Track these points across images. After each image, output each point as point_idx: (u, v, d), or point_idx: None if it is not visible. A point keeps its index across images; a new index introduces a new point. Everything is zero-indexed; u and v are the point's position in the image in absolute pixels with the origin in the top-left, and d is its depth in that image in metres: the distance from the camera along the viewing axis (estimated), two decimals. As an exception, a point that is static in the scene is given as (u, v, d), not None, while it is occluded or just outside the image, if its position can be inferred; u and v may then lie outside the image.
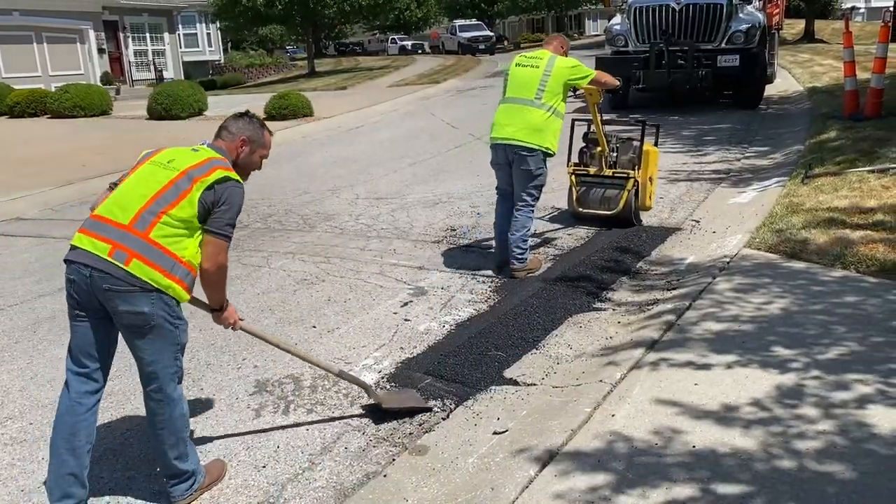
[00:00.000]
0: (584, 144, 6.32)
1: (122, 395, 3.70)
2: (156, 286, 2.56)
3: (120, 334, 2.75)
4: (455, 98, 17.82)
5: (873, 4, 44.83)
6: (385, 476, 2.89)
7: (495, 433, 3.09)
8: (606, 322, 4.21)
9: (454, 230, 6.35)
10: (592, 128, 6.05)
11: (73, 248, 2.65)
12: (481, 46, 38.57)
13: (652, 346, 3.65)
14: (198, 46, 36.71)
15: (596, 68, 13.02)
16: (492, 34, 41.62)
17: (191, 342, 4.18)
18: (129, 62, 30.03)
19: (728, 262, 4.75)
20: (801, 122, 10.05)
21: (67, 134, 14.42)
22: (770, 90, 12.98)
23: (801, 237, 4.95)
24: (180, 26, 33.93)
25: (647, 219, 6.26)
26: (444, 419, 3.29)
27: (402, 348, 4.07)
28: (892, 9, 20.45)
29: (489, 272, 5.21)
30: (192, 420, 3.32)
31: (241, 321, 2.96)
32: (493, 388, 3.53)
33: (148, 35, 31.27)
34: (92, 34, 26.55)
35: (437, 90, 19.86)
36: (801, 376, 3.19)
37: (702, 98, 12.82)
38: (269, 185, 8.73)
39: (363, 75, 26.51)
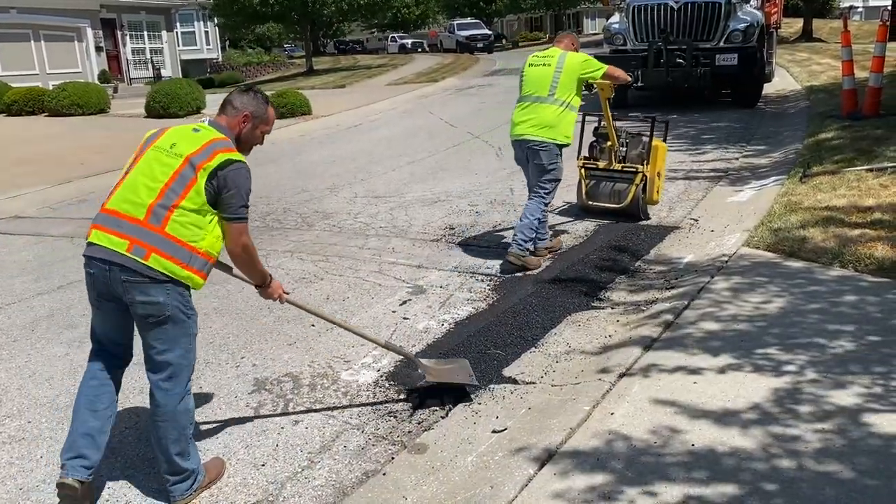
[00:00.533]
0: (593, 139, 6.48)
1: (122, 394, 3.68)
2: (174, 277, 2.61)
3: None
4: (453, 97, 17.82)
5: (871, 4, 44.87)
6: (384, 474, 2.89)
7: (494, 431, 3.09)
8: (605, 321, 4.22)
9: (453, 229, 6.35)
10: (603, 123, 6.20)
11: (90, 244, 2.66)
12: (479, 45, 38.58)
13: (651, 344, 3.66)
14: (196, 45, 36.67)
15: None
16: (490, 33, 41.63)
17: (189, 341, 4.19)
18: (127, 60, 29.97)
19: (726, 261, 4.75)
20: (799, 120, 10.06)
21: (65, 132, 14.39)
22: (768, 89, 13.00)
23: (800, 236, 4.96)
24: (178, 24, 33.89)
25: (646, 218, 6.26)
26: (443, 417, 3.29)
27: (401, 346, 4.06)
28: (890, 8, 20.49)
29: (488, 270, 5.21)
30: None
31: (287, 294, 3.06)
32: (493, 386, 3.53)
33: (146, 33, 31.22)
34: (90, 32, 26.52)
35: (435, 88, 19.86)
36: (799, 375, 3.20)
37: (700, 97, 12.83)
38: (267, 183, 8.73)
39: (361, 74, 26.50)
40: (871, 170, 6.31)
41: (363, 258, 5.68)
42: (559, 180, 5.25)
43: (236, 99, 2.87)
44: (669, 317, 3.95)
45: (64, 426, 3.40)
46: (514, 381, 3.56)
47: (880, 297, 3.95)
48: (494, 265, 5.31)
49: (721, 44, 11.21)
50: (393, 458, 3.00)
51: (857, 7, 41.22)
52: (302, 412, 3.42)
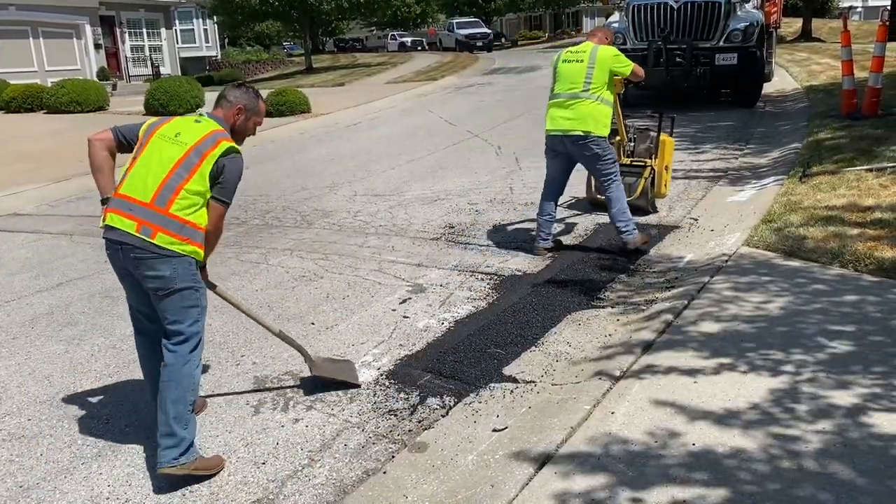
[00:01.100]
0: None
1: (121, 392, 3.70)
2: (180, 252, 2.85)
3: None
4: (453, 95, 17.81)
5: (870, 4, 44.89)
6: (385, 473, 2.89)
7: (495, 430, 3.09)
8: (605, 320, 4.22)
9: (452, 227, 6.35)
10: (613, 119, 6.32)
11: (107, 226, 2.91)
12: (479, 44, 38.54)
13: (651, 344, 3.66)
14: (195, 42, 36.63)
15: None
16: (489, 31, 41.61)
17: (189, 339, 4.19)
18: (126, 58, 29.94)
19: (726, 261, 4.75)
20: (798, 120, 10.06)
21: (64, 129, 14.37)
22: (768, 88, 13.00)
23: (800, 235, 4.96)
24: (177, 22, 33.85)
25: (645, 217, 6.27)
26: (443, 416, 3.29)
27: (401, 345, 4.07)
28: (889, 8, 20.52)
29: (488, 269, 5.21)
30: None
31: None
32: (493, 385, 3.53)
33: (145, 30, 31.18)
34: (88, 29, 26.48)
35: (434, 87, 19.85)
36: (799, 375, 3.20)
37: (700, 96, 12.83)
38: (267, 181, 8.72)
39: (361, 72, 26.48)
40: (870, 169, 6.32)
41: (363, 256, 5.67)
42: (616, 161, 5.34)
43: (230, 93, 3.12)
44: (669, 316, 3.95)
45: (64, 423, 3.41)
46: (515, 380, 3.56)
47: (880, 297, 3.96)
48: (494, 264, 5.31)
49: (721, 43, 11.20)
50: (393, 457, 3.00)
51: (857, 7, 41.24)
52: (302, 410, 3.42)
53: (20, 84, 19.19)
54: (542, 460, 2.77)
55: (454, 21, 43.74)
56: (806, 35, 25.99)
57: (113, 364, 4.03)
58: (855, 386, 3.06)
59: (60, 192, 8.89)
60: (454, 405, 3.37)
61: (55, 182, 9.27)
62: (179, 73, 28.52)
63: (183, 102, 15.72)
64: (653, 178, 6.18)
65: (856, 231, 4.90)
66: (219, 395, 3.62)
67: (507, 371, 3.67)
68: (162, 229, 2.82)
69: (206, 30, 37.03)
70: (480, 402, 3.37)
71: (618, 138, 6.24)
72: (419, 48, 44.08)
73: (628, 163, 6.29)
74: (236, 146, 2.97)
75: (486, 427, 3.14)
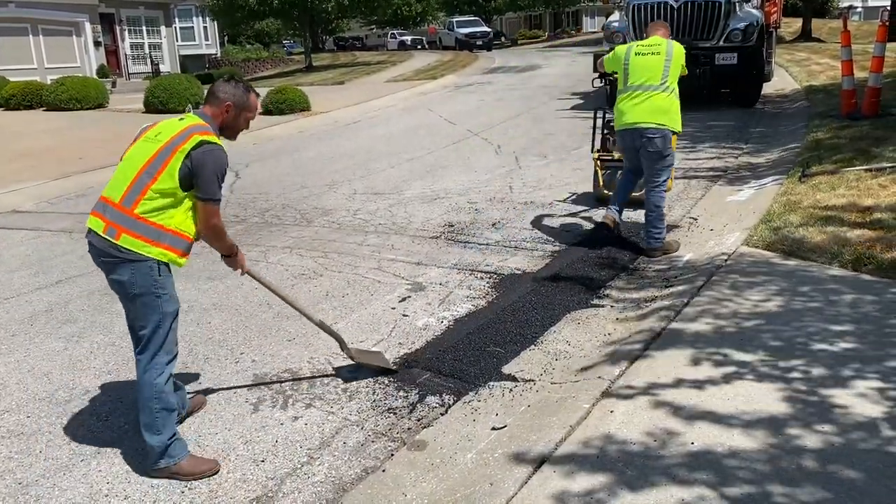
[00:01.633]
0: (606, 131, 6.68)
1: (120, 389, 3.70)
2: (146, 255, 2.81)
3: None
4: (453, 94, 17.80)
5: (870, 4, 44.90)
6: (384, 471, 2.89)
7: (494, 429, 3.10)
8: (605, 319, 4.22)
9: (452, 226, 6.35)
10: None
11: (87, 229, 2.95)
12: (479, 42, 38.50)
13: (650, 343, 3.66)
14: (194, 40, 36.60)
15: (594, 65, 13.05)
16: (489, 30, 41.57)
17: (189, 336, 4.21)
18: (126, 55, 29.90)
19: (726, 260, 4.76)
20: (798, 120, 10.07)
21: (64, 127, 14.36)
22: (767, 88, 13.01)
23: (799, 235, 4.96)
24: (177, 20, 33.81)
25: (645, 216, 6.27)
26: (442, 414, 3.29)
27: (400, 343, 4.07)
28: (889, 8, 20.52)
29: (487, 268, 5.22)
30: (191, 414, 3.33)
31: (248, 269, 3.21)
32: (492, 383, 3.53)
33: (144, 28, 31.14)
34: (88, 27, 26.45)
35: (434, 86, 19.84)
36: (799, 374, 3.20)
37: (699, 96, 12.82)
38: (266, 179, 8.72)
39: (361, 70, 26.47)
40: (870, 170, 6.32)
41: (362, 255, 5.67)
42: (672, 166, 5.41)
43: (219, 89, 3.03)
44: (669, 315, 3.95)
45: (63, 421, 3.41)
46: (514, 379, 3.56)
47: (879, 297, 3.96)
48: (494, 262, 5.31)
49: (721, 43, 11.21)
50: (392, 455, 3.00)
51: (857, 7, 41.23)
52: (301, 408, 3.42)
53: (20, 81, 19.18)
54: (541, 459, 2.77)
55: (454, 20, 43.70)
56: (806, 35, 25.99)
57: (112, 361, 4.02)
58: (854, 385, 3.06)
59: (60, 190, 8.88)
60: (453, 403, 3.37)
61: (54, 179, 9.27)
62: (179, 71, 28.50)
63: (182, 100, 15.71)
64: None
65: (855, 231, 4.91)
66: (218, 392, 3.62)
67: (506, 370, 3.67)
68: (126, 230, 2.79)
69: (205, 28, 37.00)
70: (479, 401, 3.38)
71: None
72: (419, 47, 44.05)
73: None
74: (212, 138, 2.87)
75: (485, 425, 3.14)
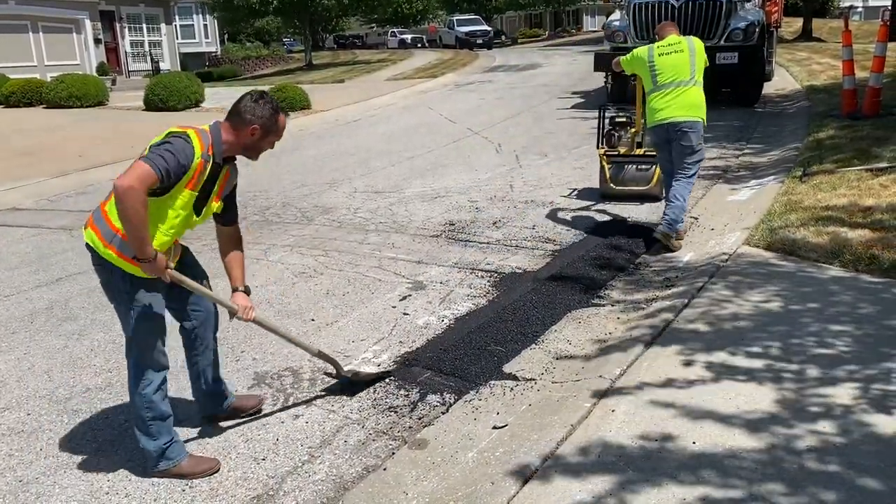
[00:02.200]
0: (610, 128, 6.85)
1: (121, 387, 3.69)
2: (103, 256, 2.71)
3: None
4: (453, 92, 17.79)
5: (871, 3, 44.87)
6: (385, 470, 2.89)
7: (495, 428, 3.09)
8: (605, 318, 4.22)
9: (453, 225, 6.35)
10: (619, 113, 6.83)
11: None
12: (479, 41, 38.48)
13: (651, 342, 3.66)
14: (194, 38, 36.58)
15: (595, 64, 13.01)
16: (489, 29, 41.55)
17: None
18: (126, 53, 29.86)
19: (726, 260, 4.76)
20: (799, 120, 10.07)
21: (63, 124, 14.35)
22: (768, 88, 13.00)
23: (799, 235, 4.96)
24: (177, 17, 33.76)
25: (645, 215, 6.27)
26: (443, 413, 3.29)
27: (401, 342, 4.07)
28: (890, 8, 20.50)
29: (488, 267, 5.21)
30: (189, 412, 3.32)
31: (173, 272, 2.76)
32: (493, 382, 3.53)
33: (144, 26, 31.10)
34: (88, 24, 26.42)
35: (434, 84, 19.83)
36: (798, 374, 3.20)
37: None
38: (266, 177, 8.71)
39: (361, 69, 26.45)
40: (871, 170, 6.32)
41: (363, 253, 5.67)
42: (703, 159, 5.52)
43: (246, 110, 2.79)
44: (669, 315, 3.95)
45: (63, 418, 3.41)
46: (515, 378, 3.56)
47: (879, 297, 3.96)
48: (494, 261, 5.31)
49: (721, 42, 11.20)
50: (393, 454, 3.00)
51: (857, 7, 41.20)
52: (302, 406, 3.42)
53: (19, 78, 19.16)
54: (543, 458, 2.77)
55: (454, 18, 43.68)
56: (806, 35, 25.98)
57: (112, 359, 4.02)
58: (854, 385, 3.06)
59: (59, 187, 8.87)
60: (454, 402, 3.37)
61: (54, 177, 9.26)
62: (179, 69, 28.45)
63: (182, 98, 15.70)
64: None
65: (856, 231, 4.91)
66: (219, 390, 3.62)
67: (507, 368, 3.67)
68: (92, 224, 2.76)
69: (205, 25, 36.98)
70: (480, 400, 3.38)
71: (633, 130, 6.55)
72: (419, 45, 44.01)
73: (641, 153, 6.54)
74: (179, 131, 2.68)
75: (486, 424, 3.14)
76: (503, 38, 46.10)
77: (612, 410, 3.05)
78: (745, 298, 4.09)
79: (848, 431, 2.74)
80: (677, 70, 5.32)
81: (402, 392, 3.50)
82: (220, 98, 18.05)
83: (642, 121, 6.42)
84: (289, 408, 3.42)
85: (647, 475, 2.58)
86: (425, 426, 3.19)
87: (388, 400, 3.44)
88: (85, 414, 3.45)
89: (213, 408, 3.26)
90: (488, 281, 4.95)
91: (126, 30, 30.09)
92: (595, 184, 7.11)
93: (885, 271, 4.28)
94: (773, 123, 10.37)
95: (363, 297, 4.78)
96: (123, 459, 3.06)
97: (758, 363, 3.33)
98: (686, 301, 4.12)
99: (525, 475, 2.68)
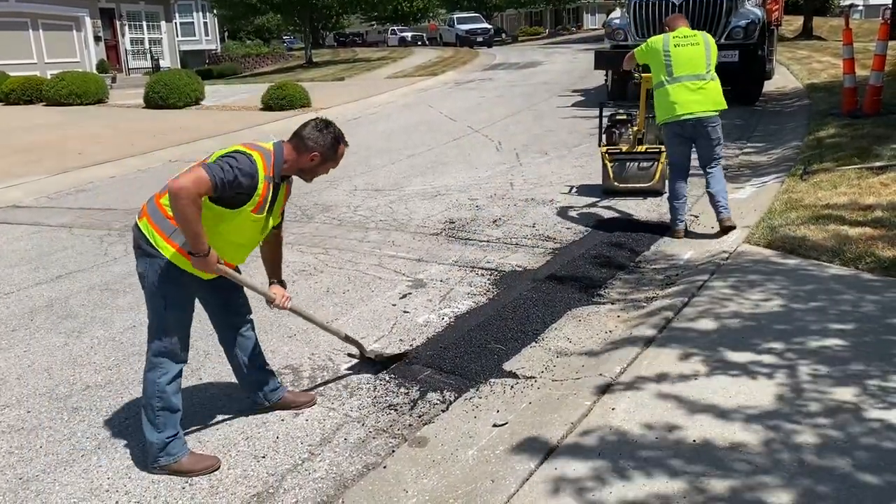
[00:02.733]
0: (610, 125, 6.92)
1: (121, 385, 3.70)
2: (159, 251, 2.77)
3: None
4: (453, 90, 17.78)
5: (871, 2, 44.82)
6: (385, 467, 2.89)
7: (495, 426, 3.09)
8: (605, 316, 4.22)
9: (453, 223, 6.34)
10: (619, 112, 6.89)
11: None
12: (479, 39, 38.44)
13: (651, 340, 3.66)
14: (194, 35, 36.54)
15: (595, 62, 12.98)
16: (490, 27, 41.51)
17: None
18: (126, 50, 29.86)
19: (727, 258, 4.76)
20: (799, 118, 10.06)
21: (63, 122, 14.34)
22: (768, 86, 12.99)
23: (800, 233, 4.96)
24: (177, 15, 33.74)
25: (645, 214, 6.27)
26: (443, 411, 3.29)
27: (401, 340, 4.07)
28: (891, 6, 20.48)
29: (488, 265, 5.21)
30: (189, 410, 3.32)
31: (222, 266, 2.86)
32: (493, 380, 3.53)
33: (144, 23, 31.09)
34: (88, 22, 26.41)
35: (435, 82, 19.81)
36: (798, 372, 3.20)
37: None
38: (266, 175, 8.69)
39: (361, 66, 26.43)
40: (871, 168, 6.32)
41: (363, 251, 5.67)
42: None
43: (309, 136, 2.88)
44: (670, 313, 3.95)
45: (63, 416, 3.41)
46: (515, 376, 3.56)
47: (879, 295, 3.96)
48: (494, 259, 5.31)
49: (722, 40, 11.17)
50: (393, 452, 3.00)
51: (858, 5, 41.15)
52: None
53: (19, 76, 19.16)
54: (543, 455, 2.77)
55: (455, 16, 43.63)
56: (807, 33, 25.94)
57: (112, 357, 4.02)
58: (854, 382, 3.06)
59: (59, 185, 8.86)
60: (454, 400, 3.37)
61: (54, 174, 9.25)
62: (179, 67, 28.44)
63: (183, 96, 15.69)
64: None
65: (856, 229, 4.90)
66: (218, 388, 3.62)
67: (507, 367, 3.66)
68: (147, 216, 2.82)
69: (205, 23, 36.94)
70: (480, 398, 3.37)
71: (636, 127, 6.57)
72: (419, 43, 43.97)
73: (643, 150, 6.57)
74: (246, 150, 2.77)
75: (486, 422, 3.14)
76: (503, 35, 46.09)
77: (613, 408, 3.05)
78: (746, 296, 4.09)
79: (847, 428, 2.74)
80: (693, 63, 5.31)
81: (402, 390, 3.50)
82: (220, 96, 18.06)
83: (649, 117, 6.40)
84: (289, 406, 3.41)
85: (647, 472, 2.58)
86: (425, 424, 3.19)
87: (388, 398, 3.44)
88: (85, 411, 3.45)
89: (262, 398, 3.30)
90: (488, 279, 4.95)
91: (126, 27, 30.08)
92: (595, 182, 7.11)
93: (885, 269, 4.27)
94: (774, 122, 10.36)
95: (363, 295, 4.77)
96: (123, 457, 3.07)
97: (758, 361, 3.33)
98: (686, 299, 4.12)
99: (525, 473, 2.68)
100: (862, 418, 2.80)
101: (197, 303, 3.06)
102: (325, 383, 3.62)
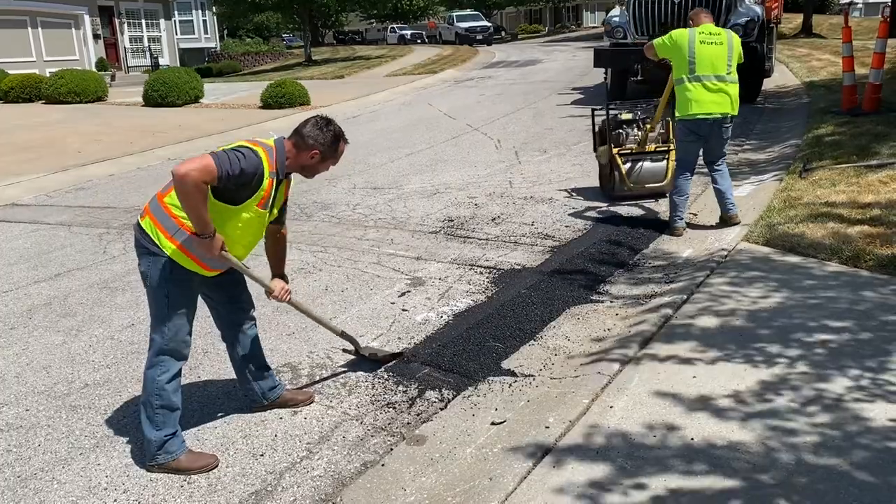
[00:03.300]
0: (616, 126, 6.70)
1: (119, 383, 3.70)
2: (161, 248, 2.78)
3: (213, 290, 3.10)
4: (452, 88, 17.77)
5: (870, 0, 44.79)
6: (383, 465, 2.89)
7: (493, 424, 3.09)
8: (604, 314, 4.22)
9: (451, 221, 6.34)
10: (622, 112, 6.71)
11: None
12: (478, 37, 38.42)
13: (650, 338, 3.66)
14: (194, 33, 36.54)
15: (595, 60, 12.96)
16: (489, 25, 41.49)
17: (188, 330, 4.18)
18: (125, 48, 29.86)
19: (725, 256, 4.76)
20: (798, 116, 10.06)
21: (62, 120, 14.32)
22: (768, 84, 12.97)
23: (799, 231, 4.96)
24: (176, 13, 33.75)
25: (644, 212, 6.27)
26: (441, 409, 3.29)
27: (399, 338, 4.07)
28: (890, 4, 20.47)
29: (487, 263, 5.21)
30: (188, 408, 3.32)
31: (225, 252, 2.85)
32: (491, 378, 3.53)
33: (144, 21, 31.08)
34: (87, 19, 26.41)
35: (434, 80, 19.80)
36: (797, 369, 3.21)
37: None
38: (265, 173, 8.69)
39: (360, 64, 26.41)
40: (870, 166, 6.32)
41: (362, 249, 5.67)
42: None
43: (309, 133, 2.91)
44: (668, 311, 3.95)
45: (61, 414, 3.41)
46: (513, 374, 3.56)
47: (877, 293, 3.96)
48: (493, 257, 5.31)
49: (721, 38, 11.16)
50: (392, 450, 3.00)
51: (857, 3, 41.14)
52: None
53: (18, 74, 19.12)
54: (541, 454, 2.77)
55: (454, 14, 43.61)
56: (806, 31, 25.94)
57: (111, 355, 4.02)
58: (851, 380, 3.06)
59: (58, 183, 8.86)
60: (452, 398, 3.37)
61: (53, 172, 9.24)
62: (178, 65, 28.43)
63: (182, 94, 15.67)
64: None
65: (855, 227, 4.90)
66: (217, 386, 3.62)
67: (505, 365, 3.66)
68: (150, 213, 2.83)
69: (205, 21, 36.93)
70: (479, 396, 3.37)
71: (648, 126, 6.41)
72: (419, 41, 43.93)
73: (653, 149, 6.47)
74: (250, 145, 2.81)
75: (484, 420, 3.14)
76: (503, 34, 46.09)
77: (611, 406, 3.05)
78: (745, 294, 4.09)
79: (844, 424, 2.74)
80: (715, 63, 5.27)
81: (401, 388, 3.50)
82: (219, 94, 18.04)
83: (665, 120, 6.36)
84: (287, 404, 3.41)
85: (645, 469, 2.58)
86: (424, 422, 3.19)
87: (386, 396, 3.44)
88: (83, 410, 3.45)
89: (261, 396, 3.30)
90: (487, 277, 4.95)
91: (125, 25, 30.08)
92: (595, 180, 7.10)
93: (884, 267, 4.27)
94: (773, 120, 10.36)
95: (362, 293, 4.77)
96: (122, 455, 3.07)
97: (757, 358, 3.33)
98: (685, 297, 4.12)
99: (523, 471, 2.68)
100: (861, 416, 2.81)
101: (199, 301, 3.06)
102: (323, 380, 3.62)
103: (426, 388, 3.47)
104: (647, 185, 6.46)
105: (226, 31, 47.32)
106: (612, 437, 2.82)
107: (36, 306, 4.82)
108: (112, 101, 17.36)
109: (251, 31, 51.55)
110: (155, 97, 15.59)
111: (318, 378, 3.65)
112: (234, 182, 2.70)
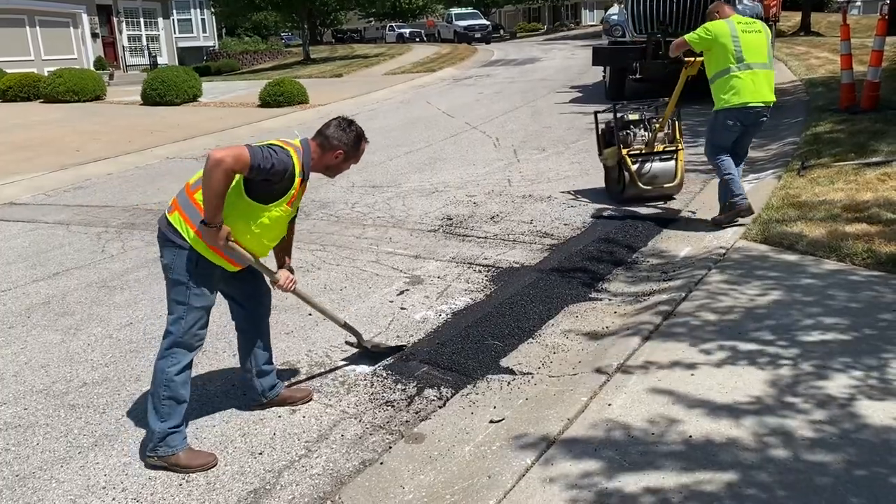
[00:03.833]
0: (624, 126, 6.61)
1: (118, 382, 3.70)
2: (185, 238, 2.83)
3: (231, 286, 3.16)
4: (451, 87, 17.76)
5: (869, -3, 44.75)
6: (382, 463, 2.89)
7: (492, 421, 3.10)
8: (603, 312, 4.22)
9: (450, 219, 6.34)
10: (628, 113, 6.68)
11: None
12: (477, 35, 38.41)
13: (648, 336, 3.66)
14: (192, 32, 36.52)
15: (593, 58, 12.96)
16: (488, 23, 41.49)
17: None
18: (123, 47, 29.82)
19: (724, 254, 4.76)
20: (797, 114, 10.06)
21: (61, 119, 14.31)
22: (766, 82, 12.96)
23: (797, 229, 4.96)
24: (174, 11, 33.72)
25: (643, 210, 6.27)
26: (440, 407, 3.29)
27: (398, 336, 4.07)
28: (888, 2, 20.46)
29: (486, 261, 5.21)
30: (188, 407, 3.32)
31: (232, 242, 2.88)
32: (490, 376, 3.53)
33: (142, 20, 31.05)
34: (85, 18, 26.38)
35: (433, 78, 19.80)
36: (794, 367, 3.21)
37: (697, 89, 12.79)
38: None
39: (359, 63, 26.40)
40: (868, 164, 6.32)
41: (360, 248, 5.67)
42: None
43: (333, 133, 3.00)
44: (667, 308, 3.95)
45: (60, 413, 3.41)
46: (512, 372, 3.56)
47: (875, 291, 3.96)
48: (492, 256, 5.31)
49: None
50: (390, 448, 3.00)
51: (856, 1, 41.13)
52: (299, 401, 3.41)
53: (16, 73, 19.11)
54: (540, 451, 2.78)
55: (453, 13, 43.58)
56: (805, 29, 25.94)
57: (109, 354, 4.02)
58: (849, 378, 3.07)
59: (57, 182, 8.85)
60: (451, 396, 3.37)
61: (51, 171, 9.24)
62: (177, 63, 28.41)
63: (180, 92, 15.67)
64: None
65: (853, 225, 4.91)
66: (215, 384, 3.62)
67: (504, 363, 3.67)
68: (180, 209, 2.87)
69: (203, 20, 36.91)
70: (478, 394, 3.38)
71: (658, 125, 6.36)
72: (417, 39, 43.92)
73: (661, 149, 6.41)
74: (280, 143, 2.88)
75: (483, 418, 3.14)
76: (501, 32, 46.07)
77: (609, 404, 3.06)
78: (743, 291, 4.09)
79: (842, 421, 2.75)
80: (760, 51, 5.25)
81: (399, 386, 3.50)
82: (217, 92, 18.04)
83: (677, 109, 6.34)
84: (285, 402, 3.41)
85: (643, 467, 2.59)
86: (422, 420, 3.19)
87: (385, 394, 3.44)
88: (81, 408, 3.45)
89: (260, 394, 3.32)
90: (486, 275, 4.95)
91: (123, 24, 30.03)
92: (594, 179, 7.10)
93: (882, 265, 4.28)
94: (771, 117, 10.33)
95: (361, 291, 4.77)
96: (120, 454, 3.07)
97: (755, 356, 3.33)
98: (684, 294, 4.12)
99: (522, 469, 2.68)
100: (857, 413, 2.81)
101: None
102: (322, 376, 3.63)
103: (425, 387, 3.48)
104: (657, 186, 6.34)
105: (224, 30, 47.28)
106: (611, 435, 2.82)
107: (34, 305, 4.82)
108: (110, 100, 17.36)
109: (250, 29, 51.52)
110: (153, 96, 15.58)
111: (316, 376, 3.65)
112: (262, 176, 2.75)
